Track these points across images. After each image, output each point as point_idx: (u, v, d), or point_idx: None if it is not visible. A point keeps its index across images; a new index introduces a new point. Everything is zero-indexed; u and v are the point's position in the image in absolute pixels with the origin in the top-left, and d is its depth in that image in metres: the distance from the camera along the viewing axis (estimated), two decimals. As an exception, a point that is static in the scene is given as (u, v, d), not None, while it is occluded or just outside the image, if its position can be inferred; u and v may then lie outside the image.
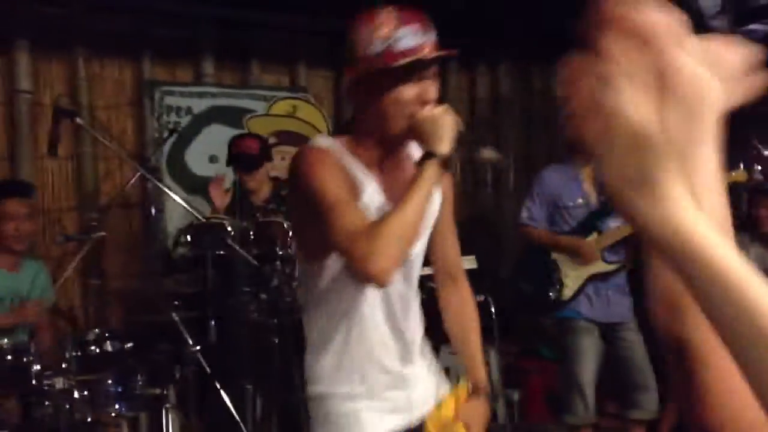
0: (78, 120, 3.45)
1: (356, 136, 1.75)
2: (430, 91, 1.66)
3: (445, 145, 1.60)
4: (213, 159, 5.13)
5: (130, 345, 3.25)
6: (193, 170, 5.07)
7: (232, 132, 5.13)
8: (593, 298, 3.72)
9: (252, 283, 3.64)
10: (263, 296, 3.59)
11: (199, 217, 3.82)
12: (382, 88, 1.65)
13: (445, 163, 1.61)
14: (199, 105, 5.08)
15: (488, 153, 1.76)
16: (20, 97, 4.37)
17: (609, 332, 3.76)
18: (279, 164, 5.33)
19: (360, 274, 1.55)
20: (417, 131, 1.64)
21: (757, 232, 4.12)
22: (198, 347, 3.47)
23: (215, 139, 5.12)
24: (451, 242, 2.00)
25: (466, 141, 1.65)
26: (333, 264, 1.72)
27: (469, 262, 4.08)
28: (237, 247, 3.53)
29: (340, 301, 1.76)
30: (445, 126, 1.61)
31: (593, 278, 3.68)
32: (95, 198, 4.61)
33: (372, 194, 1.71)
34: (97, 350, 3.14)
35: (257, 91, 5.33)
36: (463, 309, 2.05)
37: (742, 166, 4.16)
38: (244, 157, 4.12)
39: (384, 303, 1.78)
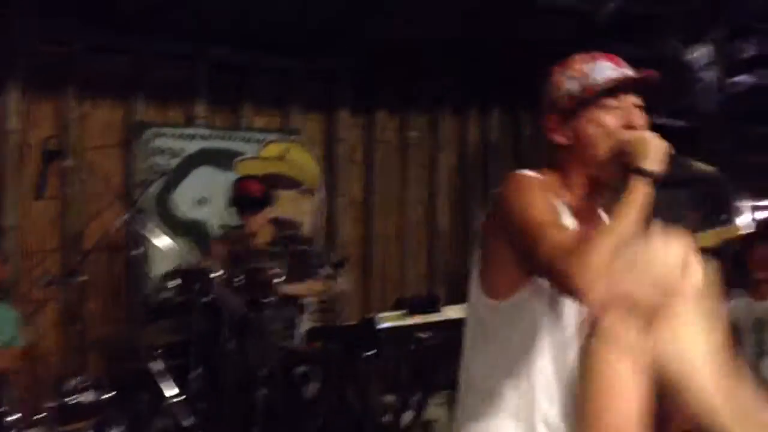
0: (67, 162, 3.38)
1: (561, 174, 1.73)
2: (635, 116, 1.65)
3: (654, 163, 1.56)
4: (201, 201, 5.08)
5: (110, 394, 3.16)
6: (179, 213, 5.02)
7: (222, 174, 5.11)
8: None
9: (240, 331, 3.56)
10: (252, 344, 3.51)
11: (187, 262, 3.77)
12: (585, 120, 1.67)
13: (655, 183, 1.56)
14: (190, 147, 5.05)
15: (702, 166, 1.72)
16: (7, 136, 4.32)
17: None
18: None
19: (565, 289, 1.48)
20: (625, 151, 1.60)
21: (747, 280, 4.09)
22: (181, 397, 3.38)
23: (204, 181, 5.09)
24: None
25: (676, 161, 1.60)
26: (514, 303, 1.64)
27: (455, 311, 4.04)
28: (226, 294, 3.46)
29: (511, 349, 1.66)
30: (655, 145, 1.58)
31: None
32: (80, 240, 4.53)
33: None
34: (77, 400, 3.04)
35: (249, 134, 5.31)
36: None
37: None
38: (248, 199, 4.17)
39: (559, 353, 1.68)
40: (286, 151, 5.48)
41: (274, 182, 5.34)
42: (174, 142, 5.02)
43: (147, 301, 4.59)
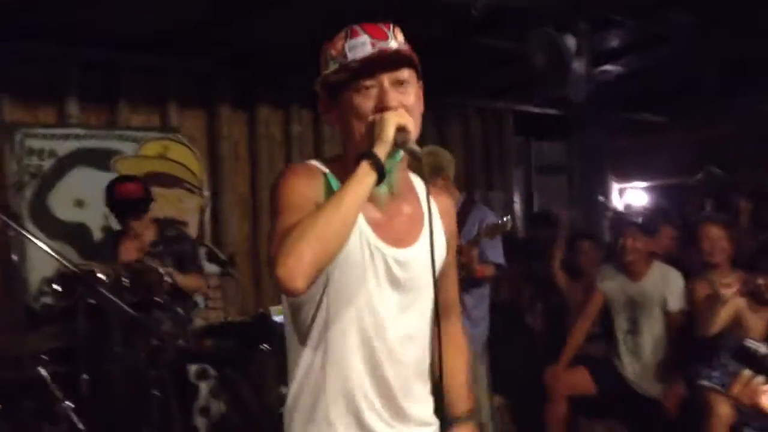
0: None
1: (341, 158, 1.67)
2: (387, 97, 1.57)
3: (380, 145, 1.51)
4: (79, 203, 4.90)
5: (-7, 405, 3.02)
6: (57, 215, 4.82)
7: (99, 175, 4.93)
8: None
9: (128, 333, 3.47)
10: (142, 346, 3.43)
11: (68, 265, 3.63)
12: (341, 102, 1.61)
13: (379, 165, 1.51)
14: (64, 147, 4.86)
15: (415, 148, 1.64)
16: None
17: None
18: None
19: (273, 278, 1.42)
20: (371, 135, 1.55)
21: (621, 261, 4.32)
22: (69, 403, 3.26)
23: (81, 182, 4.91)
24: (452, 278, 1.89)
25: (404, 142, 1.54)
26: (306, 301, 1.61)
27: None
28: (110, 296, 3.36)
29: (313, 335, 1.61)
30: (384, 126, 1.52)
31: None
32: (-50, 248, 4.29)
33: None
34: (-43, 413, 2.89)
35: (126, 132, 5.16)
36: (453, 344, 1.90)
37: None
38: (129, 203, 3.98)
39: (363, 345, 1.61)
40: (165, 149, 5.36)
41: (154, 181, 5.22)
42: (46, 143, 4.81)
43: (28, 307, 4.40)
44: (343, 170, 1.59)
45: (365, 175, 1.50)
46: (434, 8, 4.65)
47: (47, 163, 4.79)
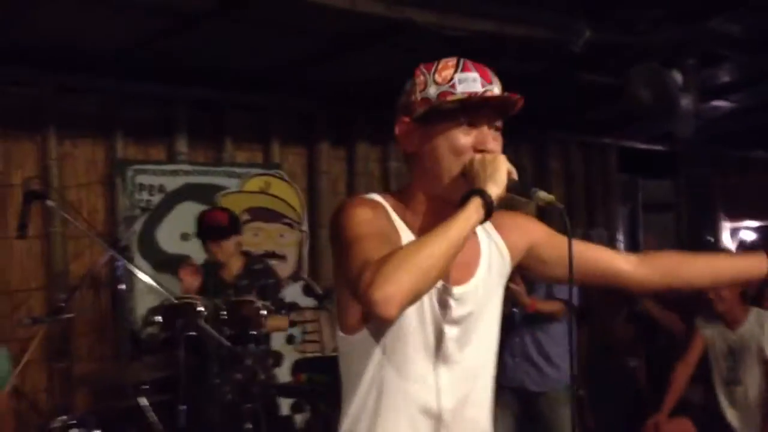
0: (49, 202, 3.40)
1: (406, 193, 1.63)
2: (488, 140, 1.55)
3: (492, 186, 1.47)
4: (185, 237, 5.08)
5: (97, 432, 3.14)
6: (164, 248, 5.02)
7: (204, 209, 5.11)
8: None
9: (225, 365, 3.56)
10: (237, 378, 3.51)
11: (170, 297, 3.76)
12: (435, 132, 1.56)
13: (490, 207, 1.46)
14: (172, 183, 5.06)
15: (544, 195, 1.59)
16: (-11, 177, 4.33)
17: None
18: (252, 240, 5.31)
19: (364, 303, 1.37)
20: (468, 174, 1.51)
21: (712, 312, 4.15)
22: (168, 433, 3.36)
23: (187, 216, 5.08)
24: (585, 246, 1.78)
25: (516, 188, 1.51)
26: (361, 338, 1.56)
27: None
28: (209, 328, 3.46)
29: (367, 376, 1.56)
30: (498, 168, 1.49)
31: None
32: (64, 278, 4.53)
33: None
34: (63, 439, 3.03)
35: (231, 168, 5.34)
36: (670, 256, 1.83)
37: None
38: (212, 227, 4.10)
39: (419, 384, 1.57)
40: (268, 185, 5.51)
41: (256, 216, 5.37)
42: (156, 179, 5.03)
43: (132, 337, 4.58)
44: (404, 205, 1.60)
45: (475, 212, 1.45)
46: (534, 44, 4.62)
47: (156, 198, 5.00)
